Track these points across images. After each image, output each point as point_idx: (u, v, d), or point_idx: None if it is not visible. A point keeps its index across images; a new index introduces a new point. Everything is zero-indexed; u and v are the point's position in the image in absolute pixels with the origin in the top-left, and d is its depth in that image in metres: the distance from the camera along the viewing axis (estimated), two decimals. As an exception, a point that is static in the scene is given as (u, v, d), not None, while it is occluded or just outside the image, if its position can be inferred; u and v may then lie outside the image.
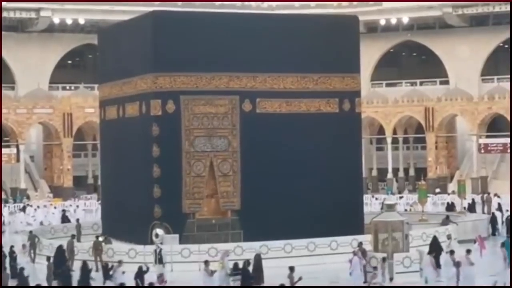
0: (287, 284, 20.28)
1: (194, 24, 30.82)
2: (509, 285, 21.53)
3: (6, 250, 27.60)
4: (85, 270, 23.11)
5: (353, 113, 32.39)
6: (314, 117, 31.51)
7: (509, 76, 63.07)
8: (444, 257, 25.52)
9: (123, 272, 23.01)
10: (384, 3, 67.14)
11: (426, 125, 61.79)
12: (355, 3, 68.16)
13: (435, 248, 27.27)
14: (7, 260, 26.74)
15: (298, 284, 20.47)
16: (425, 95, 63.25)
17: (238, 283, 23.39)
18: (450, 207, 44.11)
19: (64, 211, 44.48)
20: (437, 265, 25.27)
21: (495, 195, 47.78)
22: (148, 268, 23.46)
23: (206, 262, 23.46)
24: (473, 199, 46.25)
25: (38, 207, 49.35)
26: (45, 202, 53.12)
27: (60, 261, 26.25)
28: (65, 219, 41.60)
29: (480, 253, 27.43)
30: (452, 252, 24.56)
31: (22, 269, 23.67)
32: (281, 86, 31.28)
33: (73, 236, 29.94)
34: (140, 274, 22.97)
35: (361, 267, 24.25)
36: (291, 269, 21.25)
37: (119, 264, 23.57)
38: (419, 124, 63.34)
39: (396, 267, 24.95)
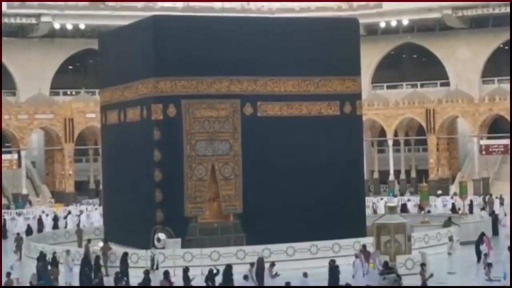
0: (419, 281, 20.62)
1: (194, 28, 30.82)
2: None
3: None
4: (167, 275, 22.89)
5: (354, 115, 32.43)
6: (315, 120, 31.54)
7: (509, 77, 63.18)
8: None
9: (276, 273, 22.85)
10: (384, 4, 67.22)
11: (427, 127, 61.76)
12: (355, 5, 68.22)
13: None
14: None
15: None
16: (426, 97, 63.24)
17: (389, 282, 23.69)
18: (454, 208, 44.32)
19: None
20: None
21: (500, 198, 47.91)
22: (218, 271, 23.39)
23: (272, 264, 23.62)
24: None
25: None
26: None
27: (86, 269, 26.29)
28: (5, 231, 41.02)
29: (488, 253, 27.46)
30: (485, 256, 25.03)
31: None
32: (282, 89, 31.31)
33: (89, 241, 29.93)
34: (211, 277, 22.98)
35: (363, 270, 24.25)
36: (422, 266, 21.53)
37: (272, 265, 23.38)
38: (420, 126, 63.32)
39: (398, 269, 24.88)
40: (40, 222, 43.30)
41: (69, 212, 48.33)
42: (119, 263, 26.80)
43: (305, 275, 21.66)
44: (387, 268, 24.17)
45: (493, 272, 24.59)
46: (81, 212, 49.36)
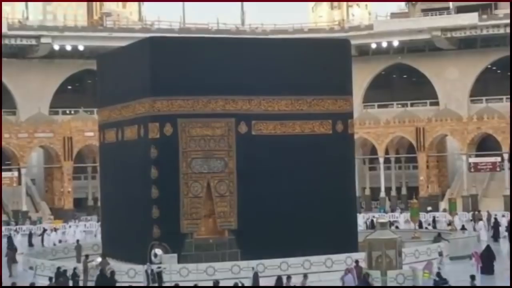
0: None
1: (190, 49, 31.24)
2: None
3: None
4: None
5: (346, 134, 32.75)
6: (308, 139, 31.88)
7: (497, 96, 64.53)
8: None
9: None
10: (375, 26, 68.44)
11: (417, 145, 62.61)
12: (347, 26, 69.40)
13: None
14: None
15: None
16: (416, 116, 64.14)
17: None
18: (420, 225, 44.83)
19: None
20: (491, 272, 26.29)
21: (488, 214, 48.67)
22: (243, 284, 23.55)
23: (289, 277, 24.50)
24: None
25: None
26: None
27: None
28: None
29: (477, 269, 28.01)
30: None
31: None
32: (275, 108, 31.66)
33: (87, 256, 30.22)
34: None
35: (355, 284, 24.62)
36: (472, 277, 22.45)
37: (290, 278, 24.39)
38: (410, 144, 64.13)
39: (390, 284, 25.52)
40: (10, 240, 41.53)
41: (44, 230, 48.28)
42: (155, 279, 27.08)
43: None
44: (441, 279, 24.26)
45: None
46: (56, 229, 49.10)
